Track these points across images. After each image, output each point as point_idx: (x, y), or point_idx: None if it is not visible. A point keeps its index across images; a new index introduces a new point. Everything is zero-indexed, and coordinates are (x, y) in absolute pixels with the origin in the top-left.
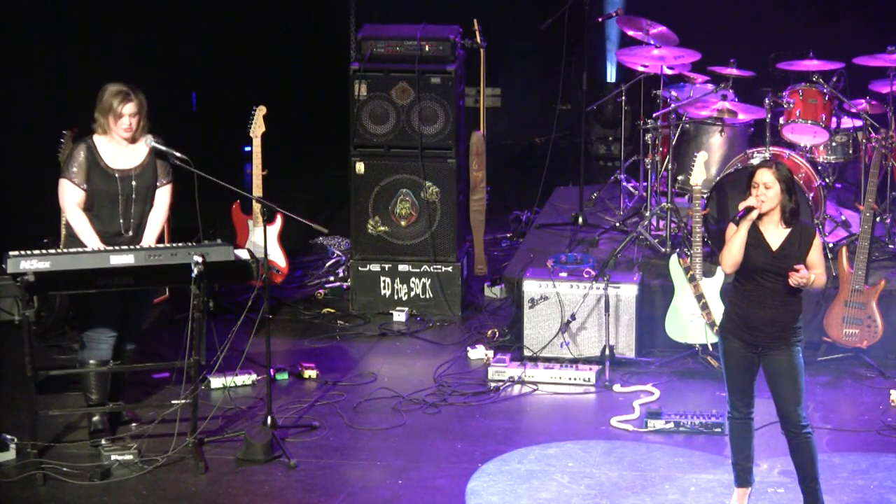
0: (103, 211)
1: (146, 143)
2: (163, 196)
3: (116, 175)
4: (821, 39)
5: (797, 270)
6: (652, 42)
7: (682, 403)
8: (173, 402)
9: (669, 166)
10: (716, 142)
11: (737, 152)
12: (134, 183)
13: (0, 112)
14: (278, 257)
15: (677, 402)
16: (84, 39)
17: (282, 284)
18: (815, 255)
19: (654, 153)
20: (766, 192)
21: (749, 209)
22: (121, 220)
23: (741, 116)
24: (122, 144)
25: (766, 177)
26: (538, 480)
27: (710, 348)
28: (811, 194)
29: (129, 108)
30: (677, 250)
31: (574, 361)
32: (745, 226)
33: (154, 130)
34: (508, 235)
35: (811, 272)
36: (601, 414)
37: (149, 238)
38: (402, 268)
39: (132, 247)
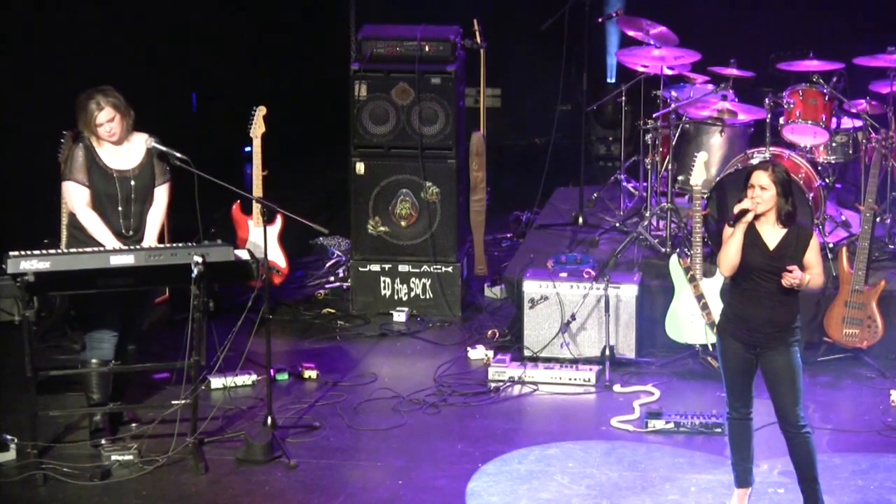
0: (104, 211)
1: (146, 144)
2: (161, 195)
3: (115, 175)
4: (821, 40)
5: (790, 271)
6: (652, 42)
7: (683, 404)
8: (173, 402)
9: (669, 166)
10: (716, 142)
11: (737, 152)
12: (133, 183)
13: (0, 113)
14: (278, 258)
15: (677, 403)
16: (84, 39)
17: (282, 285)
18: (812, 255)
19: (654, 153)
20: (762, 193)
21: (744, 212)
22: (121, 220)
23: (741, 117)
24: (116, 146)
25: (761, 179)
26: (538, 481)
27: (710, 348)
28: (811, 194)
29: (103, 115)
30: (677, 250)
31: (574, 362)
32: (741, 228)
33: (147, 128)
34: (509, 236)
35: (808, 272)
36: (601, 414)
37: (150, 238)
38: (403, 268)
39: (132, 247)
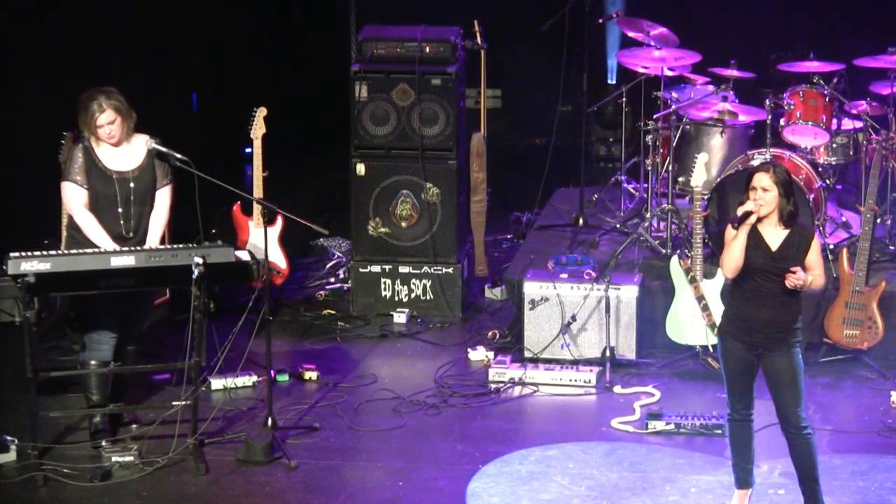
0: (103, 213)
1: (147, 145)
2: (163, 197)
3: (114, 177)
4: (821, 41)
5: (794, 272)
6: (652, 43)
7: (683, 405)
8: (174, 403)
9: (670, 168)
10: (716, 143)
11: (737, 153)
12: (132, 185)
13: (0, 113)
14: (279, 259)
15: (678, 404)
16: (84, 40)
17: (282, 286)
18: (814, 256)
19: (655, 154)
20: (764, 195)
21: (747, 214)
22: (121, 223)
23: (742, 118)
24: (116, 147)
25: (763, 181)
26: (539, 482)
27: (711, 349)
28: (812, 196)
29: (104, 118)
30: (678, 252)
31: (574, 363)
32: (744, 231)
33: (147, 129)
34: (509, 237)
35: (809, 273)
36: (602, 415)
37: (151, 240)
38: (403, 269)
39: (133, 248)
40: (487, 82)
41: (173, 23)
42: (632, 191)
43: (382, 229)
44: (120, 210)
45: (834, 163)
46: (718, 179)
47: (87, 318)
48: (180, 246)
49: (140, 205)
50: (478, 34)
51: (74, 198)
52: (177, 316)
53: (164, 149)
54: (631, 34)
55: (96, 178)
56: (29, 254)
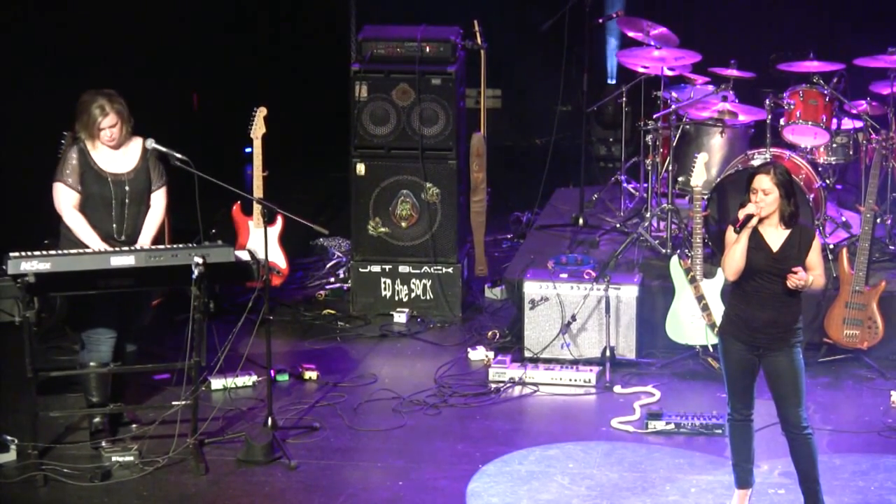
0: (97, 214)
1: (147, 145)
2: (158, 199)
3: (110, 179)
4: (821, 40)
5: (795, 272)
6: (652, 43)
7: (683, 405)
8: (174, 403)
9: (670, 167)
10: (716, 143)
11: (737, 153)
12: (127, 188)
13: (0, 113)
14: (279, 258)
15: (678, 404)
16: (84, 40)
17: (282, 285)
18: (815, 256)
19: (655, 154)
20: (766, 197)
21: (749, 217)
22: (114, 225)
23: (741, 118)
24: (114, 150)
25: (764, 183)
26: (539, 482)
27: (711, 349)
28: (812, 195)
29: (108, 121)
30: (678, 251)
31: (574, 362)
32: (746, 234)
33: (147, 129)
34: (509, 236)
35: (810, 273)
36: (602, 415)
37: (144, 241)
38: (403, 269)
39: (133, 248)
40: (487, 82)
41: (173, 23)
42: (632, 191)
43: (382, 229)
44: (114, 212)
45: (834, 163)
46: (718, 179)
47: (84, 318)
48: (180, 246)
49: (136, 206)
50: (478, 34)
51: (65, 199)
52: (177, 316)
53: (163, 148)
54: (631, 34)
55: (92, 180)
56: (29, 254)
